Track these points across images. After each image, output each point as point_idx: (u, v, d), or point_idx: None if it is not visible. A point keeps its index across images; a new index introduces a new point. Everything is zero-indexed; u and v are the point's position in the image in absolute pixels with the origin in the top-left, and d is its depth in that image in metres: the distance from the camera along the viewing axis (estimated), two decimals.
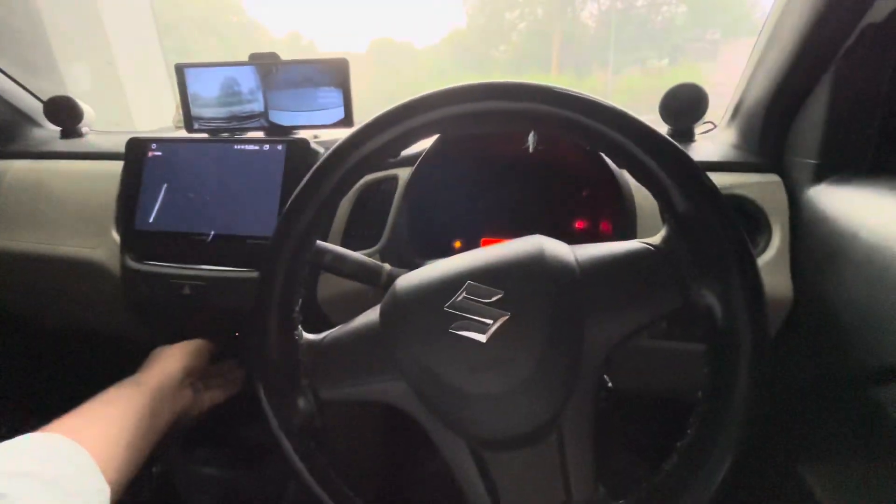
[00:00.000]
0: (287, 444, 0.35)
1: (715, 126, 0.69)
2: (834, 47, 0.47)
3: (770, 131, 0.56)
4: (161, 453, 0.47)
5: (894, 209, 0.41)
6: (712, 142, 0.65)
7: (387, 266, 0.48)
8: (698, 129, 0.65)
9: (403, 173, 0.61)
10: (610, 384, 0.45)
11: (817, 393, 0.48)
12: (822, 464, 0.48)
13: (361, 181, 0.61)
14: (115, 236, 0.66)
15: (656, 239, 0.34)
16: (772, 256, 0.52)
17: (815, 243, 0.49)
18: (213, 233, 0.61)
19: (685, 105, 0.59)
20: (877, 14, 0.44)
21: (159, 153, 0.64)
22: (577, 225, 0.62)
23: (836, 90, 0.48)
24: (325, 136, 0.69)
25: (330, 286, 0.60)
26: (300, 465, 0.35)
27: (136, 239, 0.64)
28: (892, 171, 0.47)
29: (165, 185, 0.63)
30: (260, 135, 0.66)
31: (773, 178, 0.55)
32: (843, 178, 0.49)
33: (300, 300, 0.37)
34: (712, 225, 0.29)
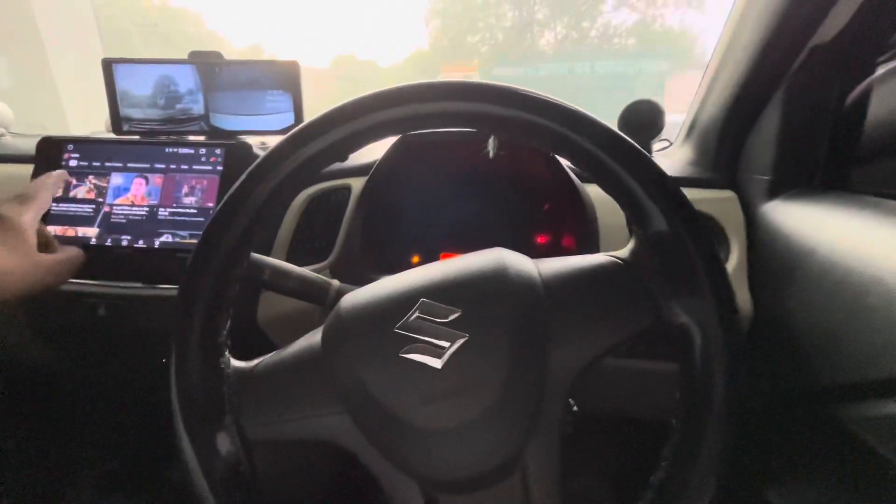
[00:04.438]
0: (209, 496, 0.29)
1: (671, 143, 0.70)
2: (783, 67, 0.48)
3: (724, 148, 0.57)
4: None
5: (847, 225, 0.41)
6: (669, 158, 0.66)
7: (335, 283, 0.43)
8: (655, 146, 0.65)
9: (357, 183, 0.57)
10: (575, 407, 0.42)
11: (779, 410, 0.48)
12: (788, 485, 0.47)
13: (311, 191, 0.57)
14: None
15: (624, 252, 0.32)
16: (730, 272, 0.52)
17: (771, 259, 0.49)
18: (136, 245, 0.54)
19: (644, 120, 0.59)
20: (823, 36, 0.45)
21: (76, 155, 0.56)
22: (539, 239, 0.60)
23: (787, 108, 0.49)
24: (273, 143, 0.64)
25: (272, 305, 0.55)
26: None
27: None
28: (842, 187, 0.48)
29: (81, 191, 0.56)
30: (198, 139, 0.60)
31: (729, 194, 0.55)
32: (796, 195, 0.49)
33: (228, 322, 0.32)
34: (684, 239, 0.28)
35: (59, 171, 0.45)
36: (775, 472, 0.49)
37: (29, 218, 0.40)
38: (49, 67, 1.45)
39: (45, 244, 0.43)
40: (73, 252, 0.43)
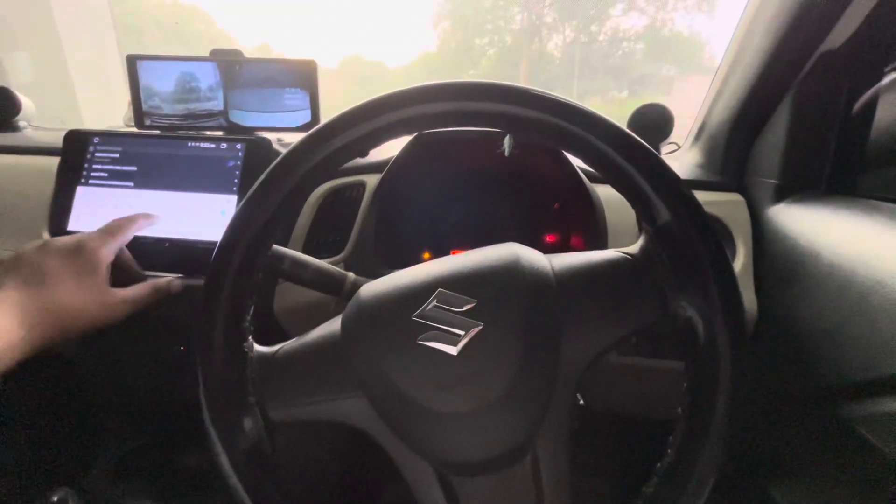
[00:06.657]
0: (231, 472, 0.30)
1: (679, 147, 0.71)
2: (792, 73, 0.49)
3: (732, 152, 0.58)
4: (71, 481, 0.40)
5: (851, 229, 0.42)
6: (677, 161, 0.67)
7: (350, 275, 0.45)
8: (663, 148, 0.66)
9: (371, 180, 0.58)
10: (581, 401, 0.43)
11: (784, 410, 0.48)
12: (794, 484, 0.48)
13: (326, 187, 0.58)
14: (46, 238, 0.60)
15: (634, 248, 0.33)
16: (736, 273, 0.52)
17: (777, 261, 0.50)
18: (157, 236, 0.55)
19: (653, 123, 0.60)
20: (832, 42, 0.46)
21: (102, 148, 0.58)
22: (548, 238, 0.62)
23: (795, 113, 0.50)
24: (290, 139, 0.66)
25: (288, 296, 0.56)
26: (245, 497, 0.30)
27: None
28: (847, 191, 0.49)
29: (107, 184, 0.57)
30: (218, 134, 0.61)
31: (736, 197, 0.56)
32: (801, 198, 0.50)
33: (251, 309, 0.33)
34: (692, 235, 0.29)
35: (148, 214, 0.46)
36: (780, 471, 0.50)
37: (107, 252, 0.40)
38: (66, 63, 1.48)
39: (122, 277, 0.43)
40: (142, 291, 0.42)
